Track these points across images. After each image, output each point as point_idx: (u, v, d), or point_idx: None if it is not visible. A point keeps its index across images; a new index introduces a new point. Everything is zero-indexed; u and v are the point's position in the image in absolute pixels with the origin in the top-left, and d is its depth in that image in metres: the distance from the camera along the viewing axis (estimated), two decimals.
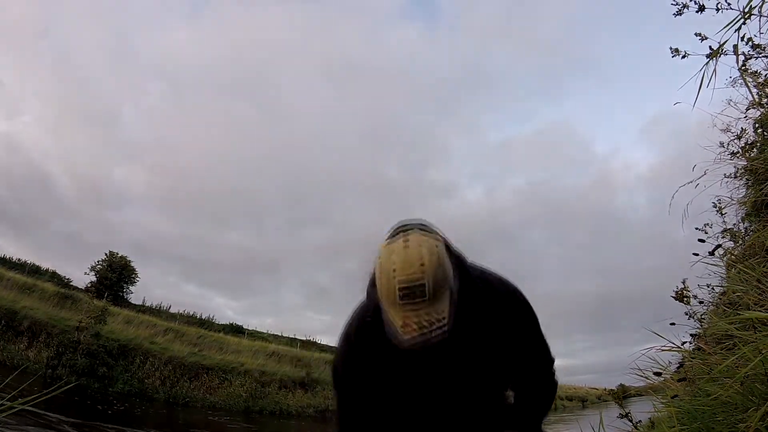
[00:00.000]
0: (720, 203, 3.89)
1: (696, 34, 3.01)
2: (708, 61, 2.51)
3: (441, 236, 1.40)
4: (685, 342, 3.00)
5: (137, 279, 35.71)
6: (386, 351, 1.44)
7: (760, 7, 2.27)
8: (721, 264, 3.35)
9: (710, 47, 2.68)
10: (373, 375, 1.62)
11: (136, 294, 36.12)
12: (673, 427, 2.22)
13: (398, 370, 1.57)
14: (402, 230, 1.36)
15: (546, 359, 1.73)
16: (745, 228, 3.81)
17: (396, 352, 1.38)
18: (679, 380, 2.73)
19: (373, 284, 1.42)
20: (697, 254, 3.29)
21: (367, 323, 1.54)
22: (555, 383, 1.78)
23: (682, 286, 3.63)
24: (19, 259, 32.52)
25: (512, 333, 1.59)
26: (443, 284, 1.30)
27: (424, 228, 1.37)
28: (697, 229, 3.78)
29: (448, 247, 1.43)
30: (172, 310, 36.60)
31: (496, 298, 1.57)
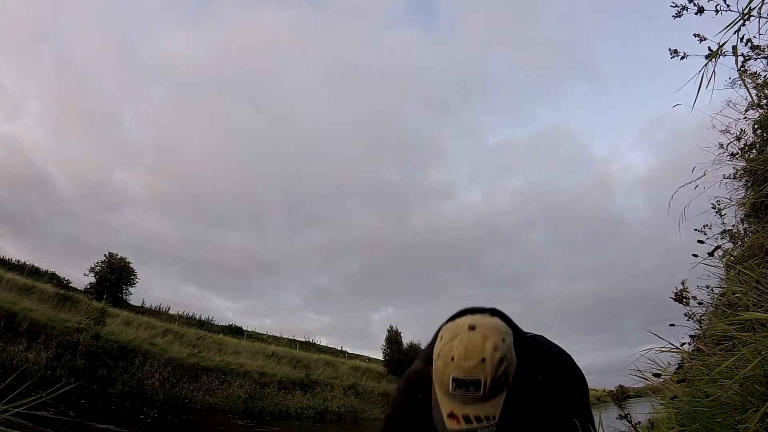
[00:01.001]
0: (719, 204, 3.89)
1: (695, 35, 3.01)
2: (707, 63, 2.51)
3: (510, 327, 1.33)
4: (684, 343, 3.00)
5: (136, 280, 35.72)
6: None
7: (760, 8, 2.28)
8: (721, 265, 3.35)
9: (709, 48, 2.69)
10: None
11: (136, 295, 36.16)
12: (673, 428, 2.22)
13: None
14: (470, 311, 1.33)
15: None
16: (745, 229, 3.81)
17: None
18: (678, 381, 2.72)
19: (429, 358, 1.35)
20: (696, 255, 3.29)
21: (416, 400, 1.45)
22: None
23: (682, 288, 3.63)
24: (18, 261, 32.58)
25: (564, 420, 1.43)
26: (502, 384, 1.22)
27: (495, 314, 1.33)
28: (696, 230, 3.78)
29: (517, 337, 1.34)
30: (171, 312, 36.70)
31: (557, 387, 1.45)
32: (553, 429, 1.41)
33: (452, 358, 1.21)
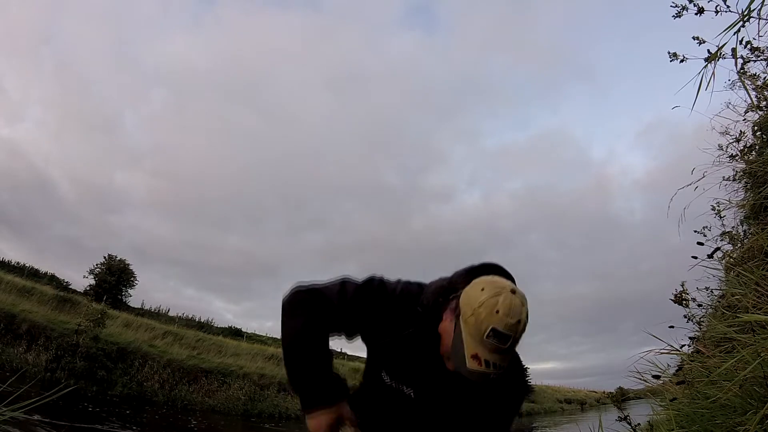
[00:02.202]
0: (719, 206, 3.88)
1: (694, 38, 3.01)
2: (706, 65, 2.51)
3: None
4: (683, 345, 3.00)
5: (136, 282, 35.72)
6: (398, 351, 1.66)
7: (759, 9, 2.28)
8: (720, 267, 3.35)
9: (708, 50, 2.69)
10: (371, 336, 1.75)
11: (135, 297, 36.15)
12: (672, 430, 2.22)
13: (389, 370, 1.73)
14: (501, 272, 1.59)
15: None
16: (744, 231, 3.81)
17: (404, 362, 1.65)
18: (677, 383, 2.73)
19: (438, 300, 1.61)
20: (695, 257, 3.29)
21: (412, 310, 1.66)
22: None
23: (681, 289, 3.63)
24: (18, 263, 32.54)
25: (499, 415, 1.73)
26: (517, 346, 1.45)
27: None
28: (695, 232, 3.77)
29: None
30: (170, 314, 36.64)
31: (515, 377, 1.71)
32: (494, 408, 1.70)
33: (497, 311, 1.37)
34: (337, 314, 1.69)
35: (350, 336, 1.75)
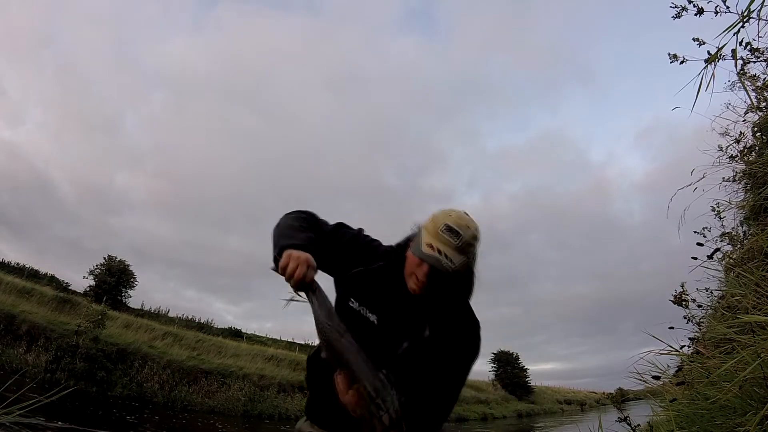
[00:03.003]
0: (718, 207, 3.88)
1: (694, 39, 3.02)
2: (706, 66, 2.51)
3: None
4: (683, 346, 3.00)
5: (136, 283, 35.69)
6: (366, 281, 1.87)
7: (759, 10, 2.28)
8: (720, 268, 3.34)
9: (708, 51, 2.69)
10: (343, 268, 1.93)
11: (135, 298, 36.13)
12: (672, 430, 2.22)
13: (358, 295, 1.88)
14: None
15: (442, 402, 1.75)
16: (744, 232, 3.81)
17: (371, 290, 1.85)
18: (677, 384, 2.73)
19: (407, 242, 1.83)
20: (695, 258, 3.29)
21: (377, 266, 1.90)
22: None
23: (681, 290, 3.63)
24: (17, 263, 32.53)
25: (450, 355, 1.75)
26: (470, 252, 1.69)
27: None
28: (695, 233, 3.77)
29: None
30: (170, 314, 36.62)
31: (467, 323, 1.83)
32: (447, 346, 1.76)
33: (450, 215, 1.71)
34: (324, 236, 1.92)
35: (324, 262, 1.86)
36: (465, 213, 1.74)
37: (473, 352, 1.82)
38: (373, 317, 1.81)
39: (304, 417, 2.00)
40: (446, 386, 1.74)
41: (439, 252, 1.63)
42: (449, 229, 1.66)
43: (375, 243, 1.99)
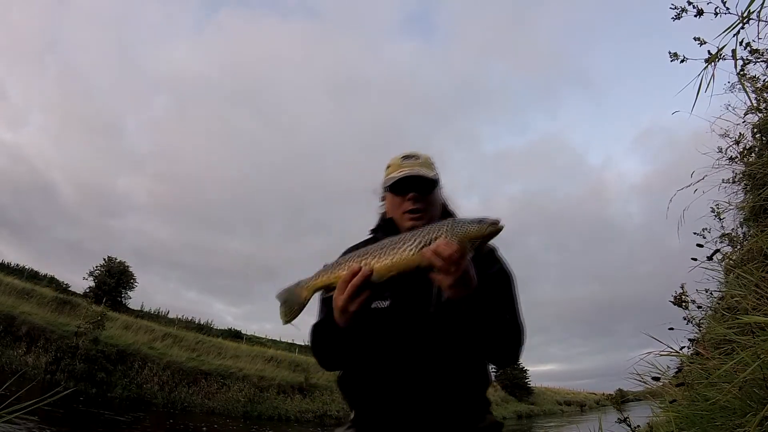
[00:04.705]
0: (718, 208, 3.88)
1: (695, 39, 3.01)
2: (706, 66, 2.50)
3: None
4: (683, 347, 3.00)
5: (136, 284, 35.72)
6: None
7: (759, 11, 2.28)
8: (720, 269, 3.34)
9: (708, 52, 2.69)
10: None
11: (135, 299, 36.13)
12: (672, 431, 2.22)
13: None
14: None
15: (508, 323, 1.63)
16: (744, 233, 3.80)
17: None
18: (677, 385, 2.72)
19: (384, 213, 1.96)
20: (695, 259, 3.29)
21: (372, 236, 1.94)
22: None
23: (681, 291, 3.62)
24: (17, 264, 32.53)
25: (488, 285, 1.56)
26: (431, 165, 1.87)
27: None
28: (695, 234, 3.77)
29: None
30: (170, 316, 36.62)
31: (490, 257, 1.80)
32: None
33: (399, 154, 1.88)
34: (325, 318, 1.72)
35: None
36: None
37: (505, 273, 1.75)
38: (384, 304, 1.68)
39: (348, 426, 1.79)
40: (503, 310, 1.62)
41: (410, 169, 1.78)
42: (406, 156, 1.84)
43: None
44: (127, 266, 35.24)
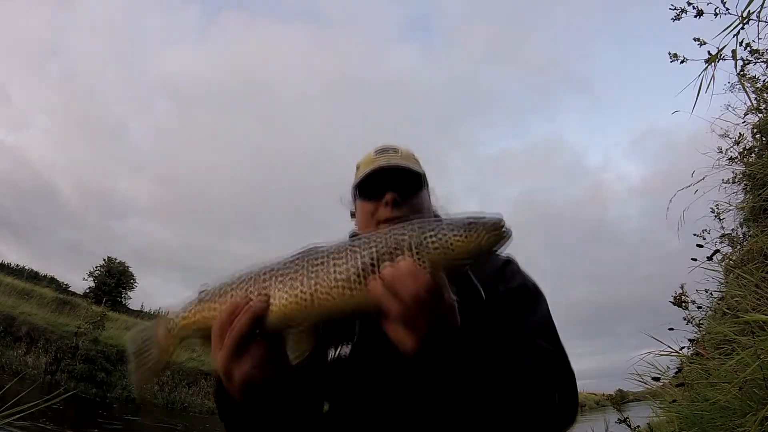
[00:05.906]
0: (718, 208, 3.87)
1: (694, 39, 3.01)
2: (706, 67, 2.50)
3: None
4: (683, 347, 2.99)
5: (135, 285, 35.67)
6: None
7: (758, 12, 2.28)
8: (720, 269, 3.34)
9: (708, 52, 2.69)
10: None
11: (135, 300, 36.10)
12: (672, 431, 2.22)
13: None
14: None
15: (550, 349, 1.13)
16: (744, 233, 3.80)
17: None
18: (677, 385, 2.72)
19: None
20: (695, 259, 3.28)
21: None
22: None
23: (681, 291, 3.62)
24: (17, 265, 32.49)
25: (511, 305, 1.20)
26: (415, 160, 1.42)
27: None
28: (695, 234, 3.76)
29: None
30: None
31: (495, 262, 1.33)
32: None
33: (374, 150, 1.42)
34: None
35: None
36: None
37: (532, 290, 1.28)
38: (346, 349, 1.17)
39: None
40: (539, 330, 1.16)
41: (387, 162, 1.34)
42: (380, 150, 1.39)
43: None
44: (127, 266, 35.21)
